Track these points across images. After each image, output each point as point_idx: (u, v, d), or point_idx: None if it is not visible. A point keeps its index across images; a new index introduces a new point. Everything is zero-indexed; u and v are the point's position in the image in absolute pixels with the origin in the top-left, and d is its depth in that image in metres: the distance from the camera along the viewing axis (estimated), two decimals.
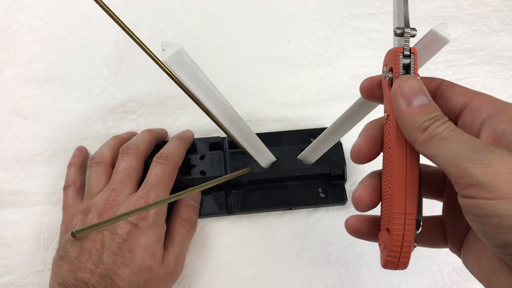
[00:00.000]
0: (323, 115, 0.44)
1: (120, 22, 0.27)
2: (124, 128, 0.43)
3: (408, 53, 0.22)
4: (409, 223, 0.22)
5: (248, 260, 0.38)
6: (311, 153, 0.38)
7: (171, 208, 0.37)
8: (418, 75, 0.23)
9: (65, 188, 0.38)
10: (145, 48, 0.28)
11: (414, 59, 0.22)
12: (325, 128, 0.35)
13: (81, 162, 0.40)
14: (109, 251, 0.31)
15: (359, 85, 0.26)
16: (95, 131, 0.43)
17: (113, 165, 0.38)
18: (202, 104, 0.29)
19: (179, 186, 0.37)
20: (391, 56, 0.23)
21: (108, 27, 0.48)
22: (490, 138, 0.21)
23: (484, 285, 0.23)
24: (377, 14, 0.50)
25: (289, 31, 0.49)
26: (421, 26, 0.49)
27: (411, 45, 0.23)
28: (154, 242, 0.33)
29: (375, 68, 0.47)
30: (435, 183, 0.27)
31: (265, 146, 0.37)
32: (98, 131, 0.43)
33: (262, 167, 0.38)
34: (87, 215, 0.34)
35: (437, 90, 0.24)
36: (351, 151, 0.25)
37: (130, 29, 0.28)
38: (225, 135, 0.39)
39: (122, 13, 0.49)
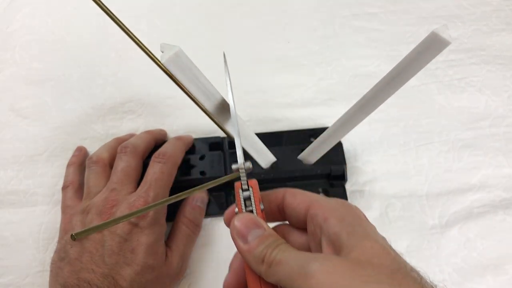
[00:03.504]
0: (324, 115, 0.44)
1: (119, 22, 0.27)
2: (123, 128, 0.43)
3: (246, 187, 0.24)
4: None
5: None
6: (312, 153, 0.38)
7: (177, 208, 0.37)
8: (260, 202, 0.24)
9: (64, 188, 0.38)
10: (145, 48, 0.28)
11: (253, 191, 0.24)
12: (325, 128, 0.35)
13: (80, 162, 0.40)
14: (110, 252, 0.31)
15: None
16: (94, 131, 0.43)
17: (111, 165, 0.38)
18: (202, 105, 0.29)
19: (179, 186, 0.36)
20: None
21: (107, 27, 0.48)
22: (331, 245, 0.22)
23: None
24: (378, 13, 0.50)
25: (289, 31, 0.49)
26: (421, 26, 0.49)
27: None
28: (155, 241, 0.33)
29: (375, 68, 0.46)
30: None
31: (265, 147, 0.36)
32: (97, 131, 0.43)
33: (262, 168, 0.38)
34: (86, 216, 0.33)
35: (284, 201, 0.25)
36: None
37: (129, 29, 0.28)
38: (225, 135, 0.39)
39: (121, 13, 0.49)
